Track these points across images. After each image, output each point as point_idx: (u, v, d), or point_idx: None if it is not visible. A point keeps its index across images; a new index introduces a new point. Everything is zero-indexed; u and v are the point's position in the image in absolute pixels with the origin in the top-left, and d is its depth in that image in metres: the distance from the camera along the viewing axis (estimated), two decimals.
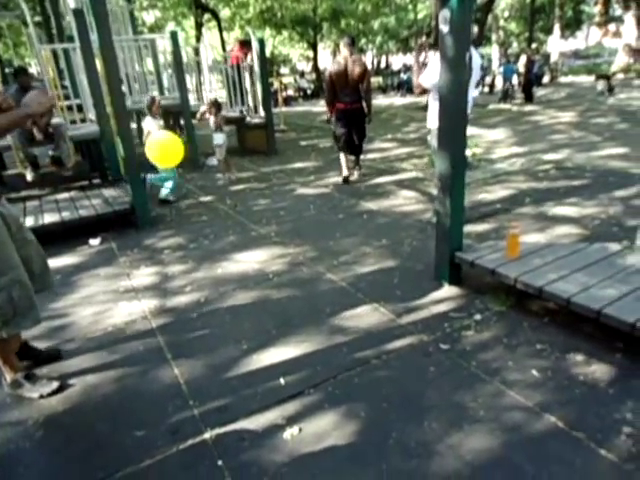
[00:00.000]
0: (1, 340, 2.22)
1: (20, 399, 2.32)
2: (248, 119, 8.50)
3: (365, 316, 2.86)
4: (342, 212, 4.90)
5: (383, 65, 40.73)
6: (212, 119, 6.64)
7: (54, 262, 4.04)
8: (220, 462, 1.86)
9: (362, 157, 6.78)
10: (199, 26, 23.27)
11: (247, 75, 8.62)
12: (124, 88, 7.86)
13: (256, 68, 8.17)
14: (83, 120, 6.66)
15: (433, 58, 3.94)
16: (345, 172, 6.16)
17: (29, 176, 5.55)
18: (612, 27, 34.17)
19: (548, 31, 30.16)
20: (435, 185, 3.07)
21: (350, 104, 5.89)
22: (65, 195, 5.48)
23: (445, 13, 2.60)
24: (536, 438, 1.87)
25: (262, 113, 8.36)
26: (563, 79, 23.63)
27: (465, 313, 2.80)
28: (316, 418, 2.06)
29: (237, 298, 3.22)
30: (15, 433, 2.11)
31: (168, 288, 3.46)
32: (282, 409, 2.13)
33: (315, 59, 28.59)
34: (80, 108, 6.72)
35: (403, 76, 22.35)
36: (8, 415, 2.23)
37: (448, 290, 3.09)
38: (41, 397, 2.32)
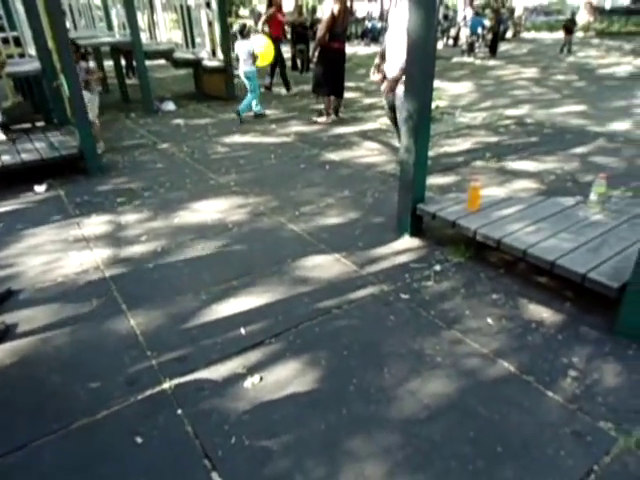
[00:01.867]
0: None
1: None
2: (205, 62, 8.03)
3: (327, 267, 2.85)
4: (304, 162, 4.79)
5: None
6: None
7: None
8: (180, 411, 1.84)
9: (323, 106, 6.61)
10: None
11: (204, 14, 8.07)
12: (68, 23, 7.21)
13: (214, 6, 7.64)
14: (22, 55, 6.10)
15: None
16: (332, 116, 6.51)
17: None
18: None
19: None
20: (399, 135, 3.01)
21: (343, 44, 6.19)
22: (3, 138, 5.05)
23: None
24: (489, 383, 1.95)
25: (220, 56, 7.91)
26: (526, 34, 23.64)
27: (425, 264, 2.83)
28: (277, 367, 2.06)
29: (196, 248, 3.12)
30: None
31: (122, 237, 3.31)
32: (243, 358, 2.11)
33: None
34: (18, 42, 6.12)
35: (368, 24, 21.67)
36: None
37: (409, 241, 3.11)
38: None
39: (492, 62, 13.52)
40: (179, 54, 7.98)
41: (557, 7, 33.16)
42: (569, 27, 14.65)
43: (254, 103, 6.79)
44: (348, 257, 2.94)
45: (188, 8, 8.37)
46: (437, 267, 2.80)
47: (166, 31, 8.77)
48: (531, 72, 11.34)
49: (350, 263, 2.87)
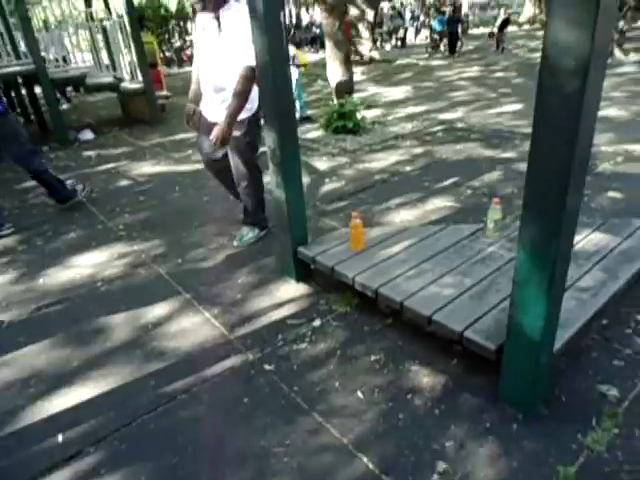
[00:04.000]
0: None
1: None
2: (123, 85, 7.55)
3: (193, 331, 2.45)
4: (209, 193, 4.38)
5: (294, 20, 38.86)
6: None
7: None
8: None
9: None
10: None
11: (119, 35, 7.60)
12: None
13: (126, 24, 7.18)
14: None
15: None
16: None
17: None
18: None
19: None
20: (268, 170, 2.65)
21: None
22: None
23: None
24: None
25: (140, 78, 7.45)
26: (475, 31, 23.77)
27: (304, 319, 2.46)
28: None
29: (48, 318, 2.68)
30: None
31: None
32: None
33: None
34: None
35: (316, 30, 21.43)
36: None
37: (294, 289, 2.74)
38: None
39: (436, 62, 13.39)
40: (93, 79, 7.48)
41: (505, 2, 33.62)
42: (491, 33, 14.39)
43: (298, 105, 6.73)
44: (220, 316, 2.55)
45: (104, 28, 7.91)
46: (317, 322, 2.43)
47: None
48: (473, 71, 11.22)
49: (220, 324, 2.48)
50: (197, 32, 2.90)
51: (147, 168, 5.41)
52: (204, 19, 2.80)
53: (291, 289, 2.74)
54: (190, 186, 4.63)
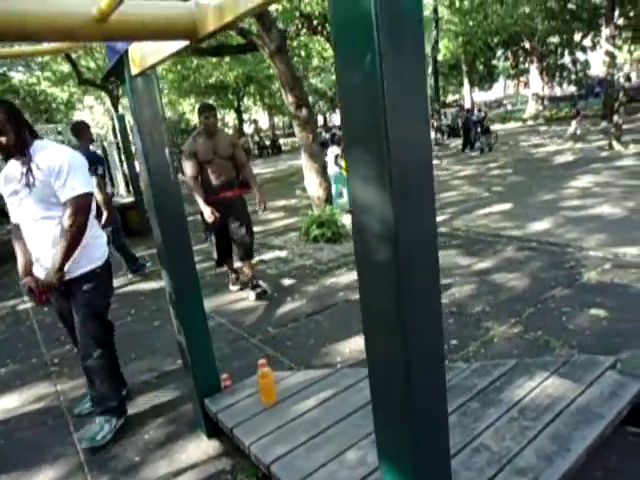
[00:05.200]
0: None
1: None
2: (115, 199, 7.77)
3: None
4: (162, 316, 4.13)
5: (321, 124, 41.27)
6: None
7: None
8: None
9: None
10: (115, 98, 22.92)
11: (115, 153, 8.01)
12: None
13: (120, 146, 7.57)
14: None
15: None
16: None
17: None
18: (525, 78, 36.75)
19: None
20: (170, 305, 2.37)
21: (224, 191, 4.06)
22: None
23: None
24: None
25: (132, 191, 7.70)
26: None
27: None
28: None
29: None
30: None
31: None
32: None
33: (240, 123, 28.92)
34: None
35: (337, 132, 22.43)
36: None
37: (203, 448, 2.33)
38: None
39: (435, 161, 13.63)
40: None
41: (510, 100, 35.36)
42: (486, 127, 14.67)
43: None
44: None
45: (104, 148, 8.35)
46: None
47: None
48: (470, 169, 11.28)
49: None
50: (4, 187, 2.30)
51: (116, 283, 5.25)
52: (10, 169, 2.26)
53: (199, 448, 2.33)
54: (147, 308, 4.41)
